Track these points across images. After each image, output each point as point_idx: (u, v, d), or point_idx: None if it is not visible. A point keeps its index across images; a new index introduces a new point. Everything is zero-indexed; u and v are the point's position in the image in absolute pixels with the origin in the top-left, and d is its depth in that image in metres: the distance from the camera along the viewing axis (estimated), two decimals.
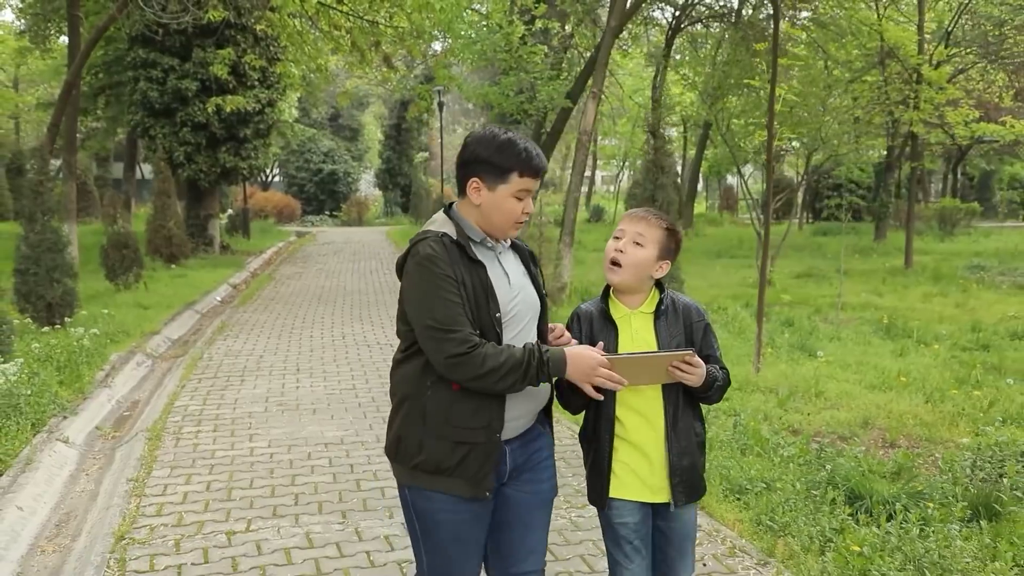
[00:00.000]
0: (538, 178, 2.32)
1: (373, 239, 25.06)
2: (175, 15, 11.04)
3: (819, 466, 4.74)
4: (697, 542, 3.22)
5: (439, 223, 2.35)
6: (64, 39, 23.27)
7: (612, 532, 2.54)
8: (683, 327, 2.56)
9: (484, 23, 16.20)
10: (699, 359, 2.42)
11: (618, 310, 2.58)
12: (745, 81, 18.67)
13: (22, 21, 22.33)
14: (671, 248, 2.56)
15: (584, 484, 2.68)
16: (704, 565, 3.78)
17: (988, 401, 6.43)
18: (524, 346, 2.22)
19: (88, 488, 4.97)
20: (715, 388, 2.51)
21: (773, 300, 12.15)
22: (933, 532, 3.76)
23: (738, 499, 4.42)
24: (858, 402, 6.45)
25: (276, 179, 43.02)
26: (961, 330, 9.56)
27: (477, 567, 2.41)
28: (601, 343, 2.35)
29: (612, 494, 2.51)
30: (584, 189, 46.22)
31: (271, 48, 16.93)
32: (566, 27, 19.64)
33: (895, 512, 3.95)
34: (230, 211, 27.64)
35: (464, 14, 15.40)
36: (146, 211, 21.35)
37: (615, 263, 2.53)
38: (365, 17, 12.94)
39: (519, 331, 2.32)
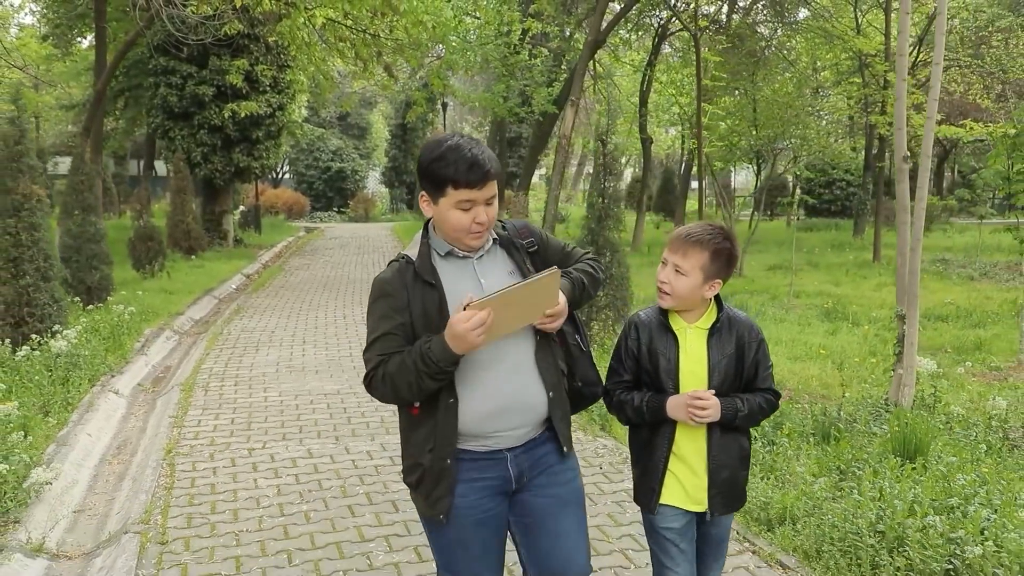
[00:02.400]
0: (477, 188, 2.19)
1: (378, 234, 26.38)
2: (198, 36, 12.31)
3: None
4: None
5: (413, 242, 2.37)
6: (85, 42, 24.65)
7: (658, 536, 2.58)
8: (735, 345, 2.54)
9: (479, 30, 17.38)
10: (708, 395, 2.46)
11: (676, 323, 2.57)
12: (733, 85, 19.91)
13: (43, 26, 23.50)
14: (720, 267, 2.49)
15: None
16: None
17: (882, 368, 7.69)
18: (416, 345, 2.20)
19: (137, 424, 6.31)
20: (741, 418, 2.50)
21: (739, 288, 13.46)
22: (781, 448, 5.04)
23: None
24: (778, 369, 7.73)
25: (286, 176, 44.37)
26: (894, 314, 10.82)
27: (489, 570, 2.40)
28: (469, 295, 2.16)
29: (661, 501, 2.55)
30: (581, 187, 47.42)
31: (281, 56, 18.24)
32: (566, 30, 20.75)
33: (759, 435, 5.24)
34: (242, 207, 29.00)
35: (463, 20, 16.64)
36: (162, 207, 22.73)
37: (663, 292, 2.54)
38: (367, 31, 14.22)
39: (503, 343, 2.27)
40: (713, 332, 2.53)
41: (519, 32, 17.15)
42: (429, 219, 2.35)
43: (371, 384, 2.26)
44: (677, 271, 2.48)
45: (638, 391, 2.57)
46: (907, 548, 3.42)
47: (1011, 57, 23.90)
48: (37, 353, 6.73)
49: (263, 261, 17.93)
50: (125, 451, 5.69)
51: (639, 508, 2.65)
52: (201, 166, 18.64)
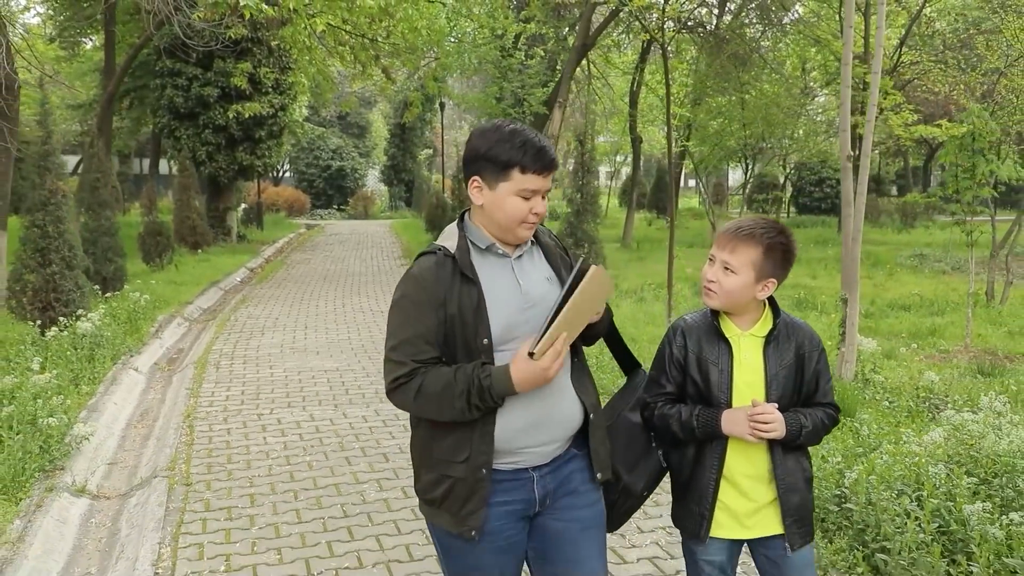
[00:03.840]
0: (545, 175, 2.09)
1: (377, 231, 27.09)
2: (204, 40, 13.01)
3: None
4: None
5: (446, 234, 2.20)
6: (89, 43, 25.32)
7: (697, 568, 2.40)
8: (794, 355, 2.32)
9: (475, 33, 18.04)
10: (772, 408, 2.22)
11: (729, 329, 2.34)
12: (720, 86, 20.61)
13: (50, 28, 24.11)
14: (775, 264, 2.27)
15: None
16: None
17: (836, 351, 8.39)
18: (468, 371, 2.02)
19: (157, 396, 7.02)
20: (805, 435, 2.28)
21: None
22: None
23: None
24: None
25: (287, 175, 45.08)
26: (860, 302, 11.54)
27: None
28: (527, 347, 2.01)
29: (711, 533, 2.34)
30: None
31: (283, 59, 18.95)
32: (561, 32, 21.39)
33: None
34: (244, 205, 29.72)
35: (458, 23, 17.31)
36: (165, 204, 23.42)
37: (709, 289, 2.32)
38: (365, 35, 14.93)
39: None
40: (770, 340, 2.31)
41: (512, 36, 17.83)
42: (464, 211, 2.24)
43: (397, 391, 2.07)
44: (726, 268, 2.27)
45: (683, 404, 2.35)
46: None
47: (1000, 58, 24.58)
48: (65, 334, 7.44)
49: (266, 256, 18.63)
50: (148, 417, 6.40)
51: (680, 532, 2.44)
52: (206, 164, 19.34)
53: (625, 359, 2.49)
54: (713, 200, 43.13)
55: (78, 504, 4.60)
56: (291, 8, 12.05)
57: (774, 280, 2.28)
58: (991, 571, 3.20)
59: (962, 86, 25.68)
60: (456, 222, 2.23)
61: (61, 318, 7.77)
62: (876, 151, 33.86)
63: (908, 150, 32.83)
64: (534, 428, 2.12)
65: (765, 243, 2.25)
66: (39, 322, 7.71)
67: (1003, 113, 13.23)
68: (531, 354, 1.97)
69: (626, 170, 44.57)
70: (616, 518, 2.37)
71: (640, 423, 2.39)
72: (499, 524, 2.13)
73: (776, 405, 2.25)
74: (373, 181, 44.48)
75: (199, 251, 17.18)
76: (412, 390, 2.04)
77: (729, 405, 2.28)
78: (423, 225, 23.93)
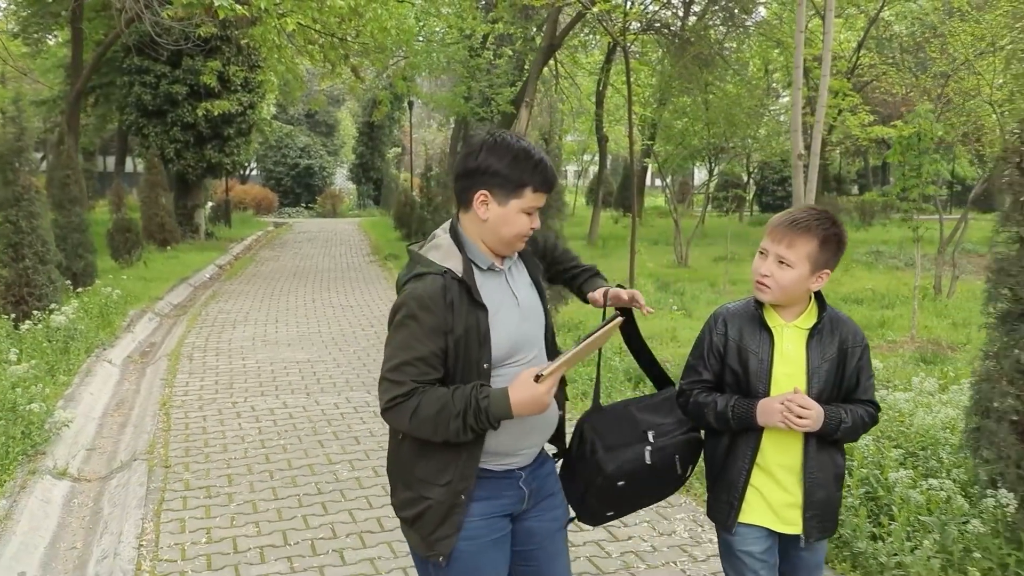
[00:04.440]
0: (548, 192, 2.14)
1: (345, 229, 27.21)
2: (173, 38, 13.12)
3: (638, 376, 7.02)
4: None
5: (444, 251, 2.14)
6: (53, 40, 25.12)
7: (735, 560, 2.35)
8: (837, 350, 2.28)
9: (445, 34, 18.29)
10: (811, 401, 2.18)
11: (773, 319, 2.31)
12: (684, 87, 21.00)
13: (12, 24, 23.85)
14: (830, 254, 2.24)
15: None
16: None
17: None
18: (466, 392, 2.00)
19: (131, 387, 7.20)
20: (843, 430, 2.24)
21: (682, 277, 14.58)
22: None
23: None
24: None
25: (253, 173, 44.95)
26: None
27: None
28: (533, 371, 1.99)
29: (741, 519, 2.32)
30: None
31: (252, 57, 19.03)
32: (529, 33, 21.66)
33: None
34: (211, 203, 29.67)
35: (427, 23, 17.56)
36: (131, 201, 23.34)
37: (763, 284, 2.28)
38: (335, 35, 15.10)
39: (531, 359, 2.18)
40: (814, 333, 2.27)
41: (480, 36, 18.10)
42: (453, 226, 2.18)
43: (392, 410, 2.04)
44: (781, 262, 2.22)
45: (720, 393, 2.33)
46: None
47: (948, 62, 25.27)
48: (39, 327, 7.58)
49: (234, 253, 18.72)
50: (124, 406, 6.58)
51: (714, 526, 2.43)
52: (174, 162, 19.37)
53: (659, 378, 2.55)
54: (678, 199, 43.81)
55: (60, 486, 4.80)
56: (262, 8, 12.22)
57: (828, 271, 2.25)
58: (909, 529, 3.53)
59: (917, 88, 26.45)
60: (450, 236, 2.17)
61: (35, 312, 7.91)
62: (837, 151, 34.62)
63: (868, 150, 33.62)
64: (532, 430, 2.17)
65: (821, 235, 2.21)
66: (13, 316, 7.84)
67: (952, 115, 13.73)
68: (537, 377, 1.97)
69: (593, 169, 45.04)
70: (591, 502, 2.38)
71: (638, 417, 2.39)
72: (493, 519, 2.16)
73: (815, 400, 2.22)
74: (341, 179, 44.51)
75: (168, 248, 17.24)
76: (409, 410, 2.01)
77: (767, 396, 2.25)
78: (392, 223, 24.11)
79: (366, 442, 5.38)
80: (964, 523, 3.48)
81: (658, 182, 49.21)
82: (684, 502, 4.43)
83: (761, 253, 2.29)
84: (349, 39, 15.61)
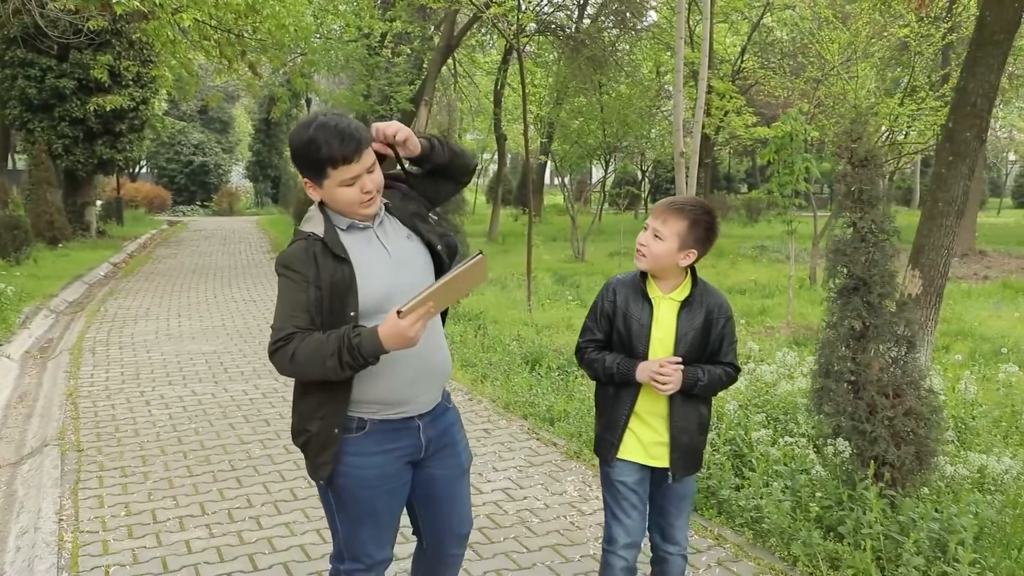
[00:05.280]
0: (354, 161, 2.23)
1: (243, 227, 26.87)
2: (60, 31, 12.84)
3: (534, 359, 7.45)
4: None
5: (312, 221, 2.36)
6: None
7: (613, 488, 2.77)
8: (703, 319, 2.68)
9: (343, 31, 18.34)
10: (672, 368, 2.60)
11: (653, 291, 2.72)
12: (583, 87, 21.64)
13: None
14: (698, 238, 2.63)
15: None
16: None
17: None
18: (340, 333, 2.19)
19: (34, 380, 7.20)
20: (700, 387, 2.67)
21: (579, 271, 15.15)
22: (574, 377, 6.51)
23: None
24: None
25: (143, 170, 43.62)
26: None
27: (390, 542, 2.54)
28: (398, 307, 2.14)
29: (618, 456, 2.74)
30: None
31: (144, 51, 18.66)
32: (427, 32, 21.91)
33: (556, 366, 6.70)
34: (100, 200, 28.76)
35: (326, 19, 17.58)
36: (15, 199, 22.48)
37: (640, 252, 2.69)
38: (232, 31, 15.05)
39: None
40: (684, 305, 2.68)
41: (379, 34, 18.26)
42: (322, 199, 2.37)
43: (276, 354, 2.24)
44: (656, 235, 2.63)
45: (608, 351, 2.75)
46: None
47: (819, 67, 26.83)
48: None
49: (129, 251, 18.36)
50: (28, 398, 6.61)
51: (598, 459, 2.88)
52: (63, 158, 18.83)
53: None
54: (575, 197, 44.77)
55: None
56: (156, 2, 12.14)
57: (695, 251, 2.64)
58: (766, 478, 4.06)
59: (796, 92, 27.96)
60: (317, 205, 2.39)
61: None
62: (725, 150, 36.12)
63: (754, 150, 35.15)
64: (419, 379, 2.38)
65: (692, 218, 2.61)
66: None
67: (823, 117, 14.73)
68: (399, 312, 2.11)
69: (493, 167, 45.57)
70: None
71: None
72: (392, 469, 2.40)
73: (681, 359, 2.63)
74: (238, 177, 43.67)
75: (59, 246, 16.79)
76: (289, 352, 2.20)
77: (646, 356, 2.67)
78: (291, 221, 23.96)
79: (276, 424, 5.63)
80: (810, 470, 4.03)
81: (556, 180, 50.22)
82: (575, 467, 4.87)
83: (644, 227, 2.70)
84: (246, 35, 15.56)
